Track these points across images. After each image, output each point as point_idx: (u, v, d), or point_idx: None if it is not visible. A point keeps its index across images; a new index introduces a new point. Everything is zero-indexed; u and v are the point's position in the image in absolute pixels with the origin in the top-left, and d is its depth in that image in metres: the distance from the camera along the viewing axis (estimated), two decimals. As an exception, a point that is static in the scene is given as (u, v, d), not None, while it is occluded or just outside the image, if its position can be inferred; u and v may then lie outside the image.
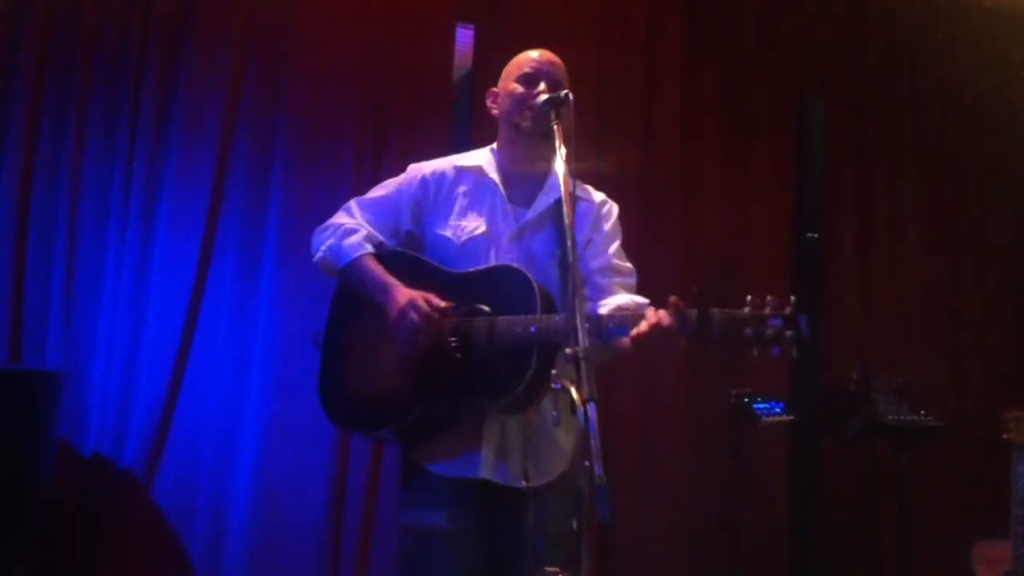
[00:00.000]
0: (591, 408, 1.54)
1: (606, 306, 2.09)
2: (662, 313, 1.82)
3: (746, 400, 3.42)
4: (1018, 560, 3.05)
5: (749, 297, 1.78)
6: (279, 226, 3.46)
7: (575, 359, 1.61)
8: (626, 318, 1.90)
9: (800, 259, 4.06)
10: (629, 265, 2.23)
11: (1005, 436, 3.15)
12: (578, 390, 1.57)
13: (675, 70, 4.05)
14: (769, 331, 1.74)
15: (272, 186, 3.50)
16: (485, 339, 1.98)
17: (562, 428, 2.08)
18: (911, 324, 4.20)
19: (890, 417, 3.42)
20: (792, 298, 1.77)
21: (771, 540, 3.88)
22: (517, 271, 2.02)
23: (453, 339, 2.00)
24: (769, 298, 1.77)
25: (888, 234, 4.26)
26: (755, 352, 1.76)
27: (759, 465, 3.87)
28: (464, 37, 3.85)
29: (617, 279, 2.18)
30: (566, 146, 1.88)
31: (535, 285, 1.97)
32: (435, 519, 2.03)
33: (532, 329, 1.91)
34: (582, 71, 3.74)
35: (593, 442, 1.50)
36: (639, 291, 3.79)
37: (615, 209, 2.27)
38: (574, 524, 1.56)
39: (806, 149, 4.12)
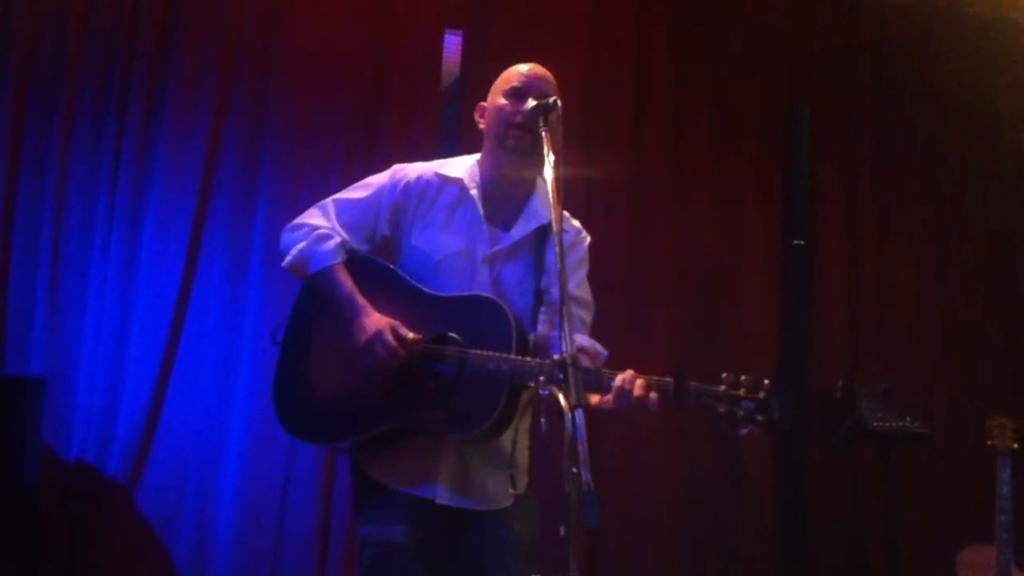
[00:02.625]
0: (578, 414, 1.54)
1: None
2: (637, 381, 1.82)
3: (734, 406, 3.43)
4: (1002, 566, 3.07)
5: (724, 374, 1.80)
6: (266, 231, 3.45)
7: (563, 365, 1.61)
8: (590, 377, 1.86)
9: (787, 266, 4.08)
10: (591, 299, 2.21)
11: (989, 442, 3.17)
12: (565, 396, 1.57)
13: (664, 79, 4.06)
14: (741, 412, 1.76)
15: (259, 191, 3.49)
16: (454, 370, 1.95)
17: (519, 446, 2.07)
18: (897, 330, 4.22)
19: (876, 424, 3.43)
20: (766, 381, 1.78)
21: (759, 546, 3.89)
22: (496, 304, 1.98)
23: (423, 365, 1.97)
24: (743, 377, 1.79)
25: (875, 241, 4.27)
26: (724, 428, 1.78)
27: (747, 471, 3.88)
28: (452, 44, 3.85)
29: (577, 310, 2.15)
30: (554, 153, 1.86)
31: (512, 321, 1.94)
32: (395, 533, 1.99)
33: (505, 368, 1.89)
34: (571, 79, 3.73)
35: (581, 448, 1.50)
36: (629, 296, 3.81)
37: (587, 240, 2.24)
38: (562, 530, 1.56)
39: (793, 157, 4.14)
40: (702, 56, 4.15)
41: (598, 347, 2.13)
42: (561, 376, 1.59)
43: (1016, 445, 3.14)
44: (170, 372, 3.34)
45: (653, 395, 1.82)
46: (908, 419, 3.46)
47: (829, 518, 4.02)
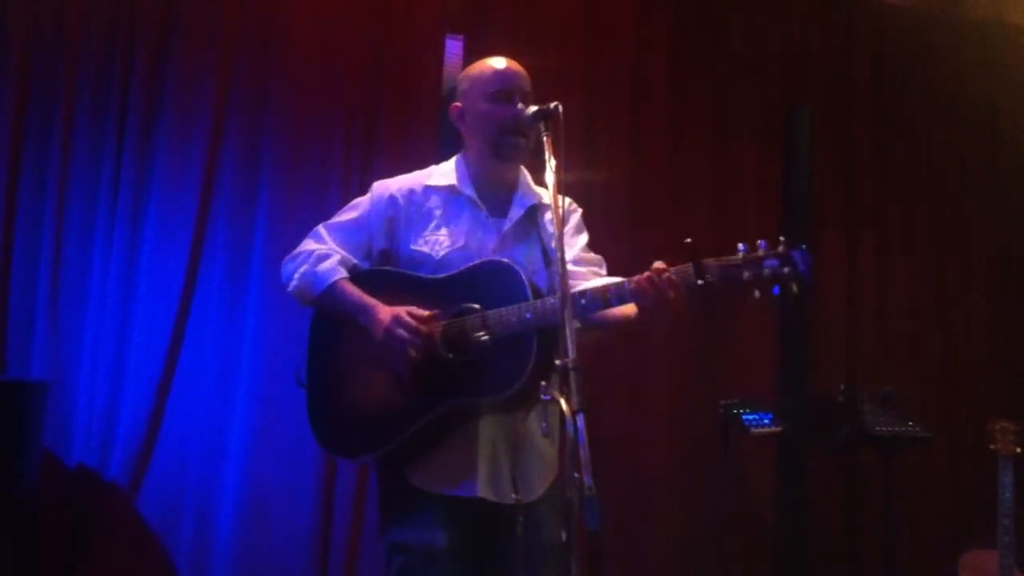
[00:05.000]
0: (580, 419, 1.53)
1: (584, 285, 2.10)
2: (659, 278, 1.85)
3: (735, 411, 3.43)
4: (1004, 569, 3.07)
5: (741, 244, 1.84)
6: (267, 234, 3.45)
7: (564, 370, 1.61)
8: (608, 290, 1.92)
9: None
10: (598, 256, 2.26)
11: (992, 446, 3.17)
12: (567, 401, 1.57)
13: (662, 80, 4.06)
14: (767, 271, 1.80)
15: (260, 194, 3.49)
16: (480, 336, 1.96)
17: (548, 441, 2.07)
18: (898, 334, 4.22)
19: (878, 428, 3.43)
20: (781, 238, 1.82)
21: (759, 550, 3.89)
22: (501, 263, 2.01)
23: (447, 345, 1.98)
24: (759, 242, 1.83)
25: (874, 243, 4.28)
26: (756, 294, 1.81)
27: (747, 475, 3.88)
28: (454, 48, 3.86)
29: (589, 267, 2.20)
30: (556, 158, 1.87)
31: (522, 274, 1.97)
32: (433, 537, 1.99)
33: (528, 316, 1.90)
34: (569, 81, 3.77)
35: (582, 453, 1.50)
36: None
37: (580, 210, 2.29)
38: (563, 535, 1.56)
39: (794, 158, 4.14)
40: (701, 57, 4.15)
41: (616, 279, 2.12)
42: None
43: (1019, 449, 3.13)
44: (172, 375, 3.33)
45: (677, 284, 1.85)
46: (910, 423, 3.46)
47: (829, 523, 4.02)
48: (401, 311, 1.99)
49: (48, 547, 3.10)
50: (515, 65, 2.16)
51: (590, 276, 2.17)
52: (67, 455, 3.21)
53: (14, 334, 3.19)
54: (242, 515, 3.30)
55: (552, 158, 1.86)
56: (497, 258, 2.05)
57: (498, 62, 2.16)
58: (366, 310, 2.05)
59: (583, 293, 1.95)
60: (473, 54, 3.78)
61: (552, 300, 1.90)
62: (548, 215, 2.17)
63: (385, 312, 2.01)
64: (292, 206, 3.47)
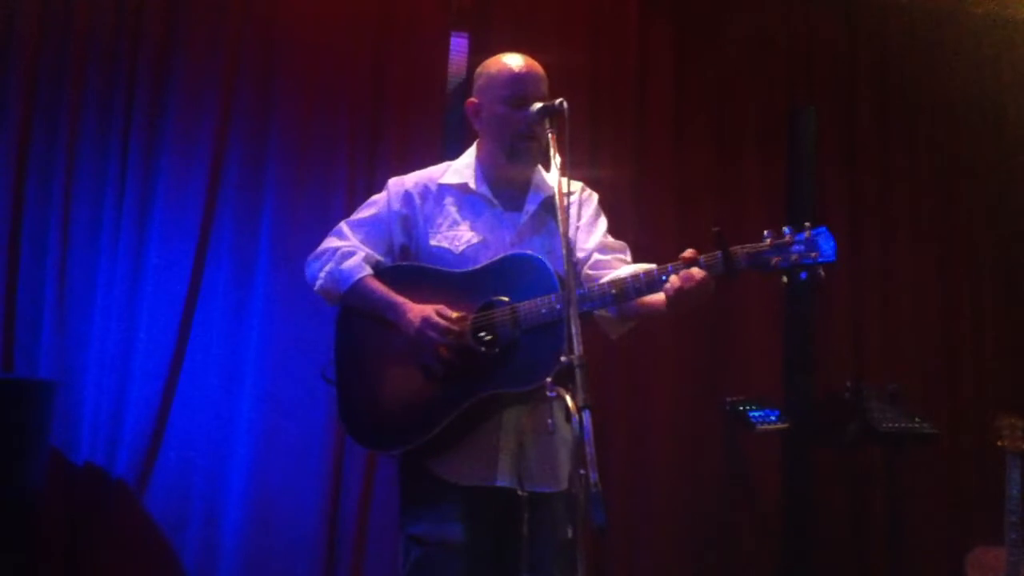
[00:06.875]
0: (586, 415, 1.54)
1: (612, 274, 2.11)
2: (689, 271, 1.89)
3: (741, 408, 3.43)
4: (1012, 566, 3.06)
5: (766, 231, 1.87)
6: (272, 235, 3.46)
7: (570, 366, 1.61)
8: (637, 278, 1.94)
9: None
10: (621, 242, 2.26)
11: (998, 443, 3.16)
12: (573, 398, 1.57)
13: (666, 80, 4.06)
14: (794, 256, 1.84)
15: (265, 195, 3.50)
16: (509, 328, 1.98)
17: (567, 435, 2.08)
18: (901, 330, 4.21)
19: (885, 424, 3.42)
20: (807, 223, 1.85)
21: (764, 547, 3.88)
22: (527, 256, 2.03)
23: (482, 334, 1.99)
24: (784, 228, 1.86)
25: (879, 241, 4.27)
26: (784, 280, 1.85)
27: (753, 472, 3.87)
28: (458, 46, 3.86)
29: (615, 255, 2.20)
30: (561, 154, 1.88)
31: (549, 265, 1.98)
32: (452, 531, 1.99)
33: (559, 306, 1.91)
34: (574, 79, 3.76)
35: (588, 449, 1.50)
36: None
37: (595, 196, 2.29)
38: (569, 532, 1.56)
39: (797, 157, 4.13)
40: (705, 56, 4.15)
41: (646, 266, 2.13)
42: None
43: (1027, 445, 3.13)
44: (177, 376, 3.34)
45: (709, 278, 1.88)
46: (917, 420, 3.45)
47: (835, 519, 4.01)
48: (431, 312, 2.00)
49: (56, 544, 3.12)
50: (533, 66, 2.14)
51: (616, 264, 2.18)
52: (73, 454, 3.22)
53: (21, 333, 3.20)
54: (248, 515, 3.31)
55: (557, 155, 1.88)
56: (523, 251, 2.06)
57: (515, 62, 2.14)
58: (394, 307, 2.06)
59: (613, 283, 1.97)
60: (478, 52, 3.78)
61: (580, 290, 1.94)
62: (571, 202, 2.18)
63: (415, 312, 2.02)
64: (297, 207, 3.48)
